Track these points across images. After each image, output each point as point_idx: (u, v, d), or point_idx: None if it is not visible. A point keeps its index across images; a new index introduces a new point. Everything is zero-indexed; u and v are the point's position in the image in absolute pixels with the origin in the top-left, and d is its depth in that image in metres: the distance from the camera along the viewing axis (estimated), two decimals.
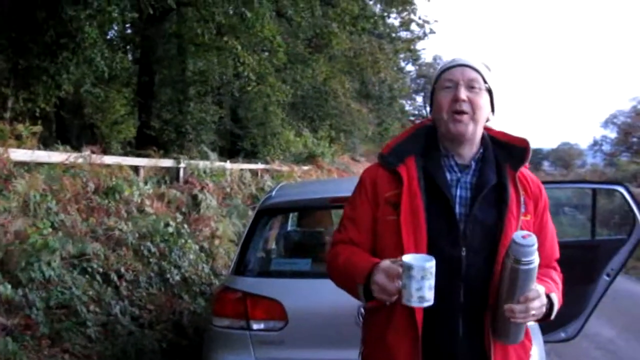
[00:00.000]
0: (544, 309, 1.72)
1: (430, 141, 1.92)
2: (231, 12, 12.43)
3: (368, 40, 20.13)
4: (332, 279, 1.98)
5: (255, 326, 3.33)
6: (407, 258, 1.58)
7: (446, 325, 1.77)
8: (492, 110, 1.90)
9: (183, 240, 6.92)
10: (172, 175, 9.29)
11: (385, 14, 21.75)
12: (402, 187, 1.81)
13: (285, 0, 13.43)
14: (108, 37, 13.08)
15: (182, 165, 9.41)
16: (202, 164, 10.24)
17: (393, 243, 1.79)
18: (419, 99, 58.17)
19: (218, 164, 11.26)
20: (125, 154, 10.76)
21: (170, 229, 6.83)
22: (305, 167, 17.97)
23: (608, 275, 4.42)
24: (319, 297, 3.30)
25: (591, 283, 4.40)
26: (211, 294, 6.31)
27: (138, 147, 12.10)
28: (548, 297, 1.75)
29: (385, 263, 1.65)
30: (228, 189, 10.78)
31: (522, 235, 1.65)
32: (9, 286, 4.17)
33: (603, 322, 6.87)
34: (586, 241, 4.79)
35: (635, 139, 46.16)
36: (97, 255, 5.42)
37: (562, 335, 4.45)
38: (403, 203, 1.80)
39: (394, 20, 24.91)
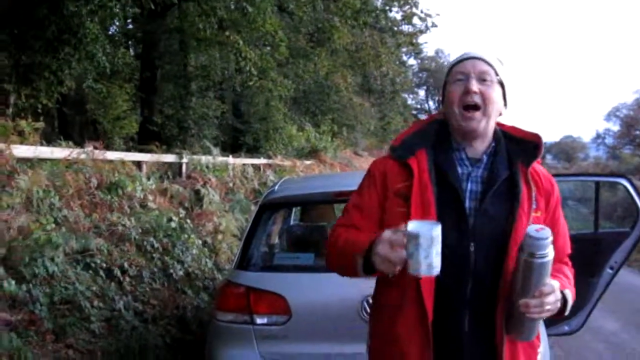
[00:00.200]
0: (558, 304, 1.70)
1: (441, 134, 1.90)
2: (233, 6, 12.44)
3: (370, 34, 20.07)
4: (329, 261, 1.94)
5: (258, 320, 3.33)
6: (412, 226, 1.53)
7: (453, 320, 1.76)
8: (505, 104, 1.89)
9: (186, 236, 6.92)
10: (174, 170, 9.31)
11: (387, 7, 21.59)
12: (413, 179, 1.79)
13: None
14: (110, 32, 13.07)
15: (184, 160, 9.43)
16: (204, 159, 10.25)
17: None
18: (422, 93, 58.20)
19: (220, 159, 11.26)
20: (128, 150, 10.77)
21: (173, 224, 6.84)
22: (308, 162, 17.97)
23: (611, 268, 4.42)
24: (322, 291, 3.30)
25: (594, 276, 4.40)
26: (214, 289, 6.32)
27: (140, 142, 12.11)
28: (562, 293, 1.73)
29: (387, 233, 1.60)
30: (231, 184, 10.79)
31: (536, 229, 1.63)
32: (13, 282, 4.18)
33: (606, 315, 6.87)
34: (589, 234, 4.78)
35: (638, 132, 46.03)
36: (100, 251, 5.43)
37: (566, 328, 4.44)
38: (414, 195, 1.78)
39: (395, 14, 24.75)
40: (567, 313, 1.78)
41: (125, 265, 5.63)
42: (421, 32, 26.00)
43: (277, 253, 4.42)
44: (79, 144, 7.18)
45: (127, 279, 5.55)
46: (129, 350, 4.62)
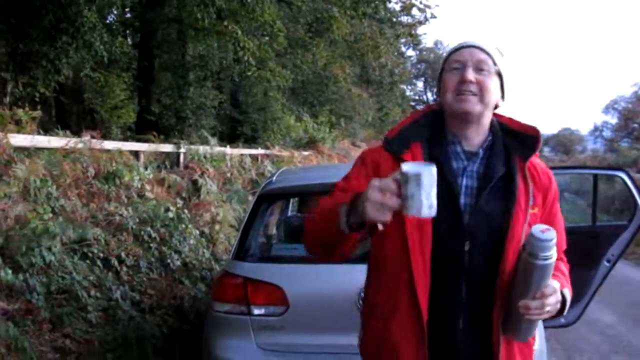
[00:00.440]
0: (558, 305, 1.66)
1: (437, 127, 1.83)
2: None
3: (369, 25, 20.01)
4: (307, 238, 1.83)
5: (255, 311, 3.33)
6: (409, 167, 1.44)
7: (447, 319, 1.71)
8: (502, 96, 1.82)
9: (183, 226, 6.91)
10: (172, 160, 9.29)
11: None
12: None
13: None
14: (107, 21, 13.04)
15: (182, 150, 9.41)
16: (202, 149, 10.23)
17: (395, 231, 1.68)
18: (420, 84, 58.18)
19: (218, 149, 11.25)
20: (125, 139, 10.75)
21: (171, 214, 6.82)
22: (306, 153, 17.95)
23: (608, 261, 4.42)
24: (319, 282, 3.30)
25: (591, 269, 4.40)
26: (212, 279, 6.32)
27: (138, 132, 12.08)
28: (561, 292, 1.68)
29: (377, 181, 1.47)
30: (228, 174, 10.77)
31: (542, 230, 1.57)
32: (10, 271, 4.17)
33: (603, 307, 6.90)
34: (587, 227, 4.78)
35: (636, 125, 46.11)
36: (97, 241, 5.42)
37: (562, 320, 4.44)
38: None
39: (395, 4, 24.75)
40: (565, 312, 1.74)
41: (123, 255, 5.62)
42: (420, 23, 26.03)
43: (274, 244, 4.42)
44: (77, 133, 7.17)
45: (125, 268, 5.54)
46: (126, 340, 4.61)
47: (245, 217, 3.83)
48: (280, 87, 16.69)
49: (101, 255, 5.36)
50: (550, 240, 1.56)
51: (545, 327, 3.54)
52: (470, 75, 1.72)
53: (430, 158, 1.74)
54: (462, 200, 1.73)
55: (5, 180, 4.85)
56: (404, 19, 26.58)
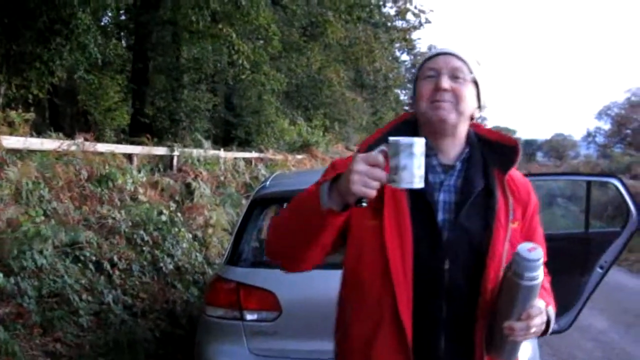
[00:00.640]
0: (543, 326, 1.58)
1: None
2: None
3: (363, 29, 20.03)
4: (272, 240, 1.72)
5: (248, 316, 3.32)
6: (399, 138, 1.39)
7: (428, 340, 1.62)
8: (479, 105, 1.73)
9: (176, 229, 6.89)
10: (165, 163, 9.27)
11: (381, 2, 21.66)
12: (384, 190, 1.54)
13: None
14: (102, 23, 13.00)
15: (175, 153, 9.39)
16: (195, 152, 10.21)
17: (375, 249, 1.60)
18: None
19: (212, 152, 11.23)
20: (119, 142, 10.73)
21: (164, 218, 6.80)
22: (300, 156, 17.94)
23: (601, 267, 4.42)
24: (312, 287, 3.28)
25: (584, 275, 4.40)
26: (204, 283, 6.30)
27: (132, 134, 12.05)
28: (545, 311, 1.60)
29: (361, 155, 1.41)
30: (222, 178, 10.75)
31: (528, 248, 1.49)
32: (1, 275, 4.16)
33: (595, 313, 6.91)
34: (580, 233, 4.79)
35: (629, 131, 46.35)
36: (89, 244, 5.40)
37: (555, 327, 4.42)
38: (386, 207, 1.60)
39: (389, 9, 24.83)
40: (549, 333, 1.66)
41: (115, 258, 5.61)
42: (415, 28, 26.09)
43: None
44: (70, 135, 7.15)
45: (117, 272, 5.52)
46: (118, 344, 4.60)
47: (239, 222, 3.82)
48: (275, 91, 16.68)
49: (93, 258, 5.35)
50: (537, 260, 1.48)
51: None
52: (445, 83, 1.64)
53: None
54: (440, 216, 1.64)
55: None
56: (399, 23, 26.66)
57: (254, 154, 14.80)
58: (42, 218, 4.94)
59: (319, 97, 23.49)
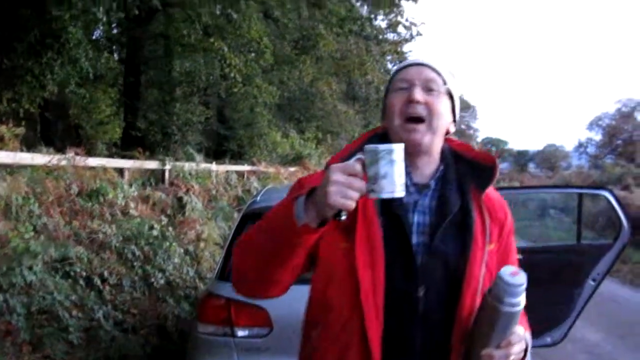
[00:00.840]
0: (522, 354, 1.49)
1: None
2: (218, 12, 12.41)
3: (355, 42, 20.09)
4: (242, 251, 1.54)
5: (239, 333, 3.29)
6: (377, 145, 1.31)
7: None
8: (454, 119, 1.64)
9: (168, 243, 6.86)
10: (157, 177, 9.25)
11: (372, 15, 21.72)
12: (356, 211, 1.45)
13: (272, 1, 13.41)
14: (94, 37, 13.01)
15: (167, 167, 9.37)
16: (187, 165, 10.20)
17: (345, 271, 1.49)
18: None
19: (204, 165, 11.22)
20: (111, 155, 10.70)
21: (155, 232, 6.77)
22: (292, 169, 17.95)
23: (594, 280, 4.42)
24: (304, 303, 3.24)
25: (577, 287, 4.40)
26: (196, 298, 6.26)
27: (123, 148, 12.03)
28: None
29: (338, 164, 1.32)
30: (214, 191, 10.74)
31: (511, 272, 1.40)
32: None
33: (588, 325, 6.89)
34: (572, 245, 4.79)
35: (620, 141, 46.60)
36: (80, 259, 5.36)
37: (548, 340, 4.44)
38: (359, 229, 1.48)
39: (381, 22, 24.95)
40: (527, 358, 1.56)
41: (106, 273, 5.56)
42: (406, 40, 26.16)
43: None
44: (61, 149, 7.11)
45: (107, 287, 5.48)
46: None
47: (230, 237, 3.80)
48: (267, 104, 16.71)
49: (84, 274, 5.30)
50: (520, 285, 1.39)
51: (532, 347, 3.52)
52: (418, 95, 1.55)
53: None
54: (415, 239, 1.52)
55: None
56: (390, 36, 26.75)
57: (246, 167, 14.80)
58: (32, 234, 4.90)
59: (311, 110, 23.58)
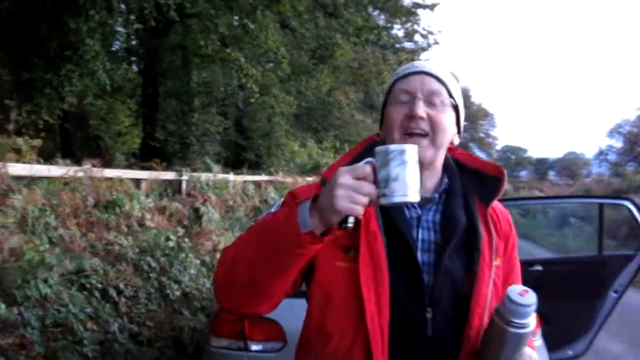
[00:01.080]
0: None
1: None
2: (235, 23, 12.47)
3: (372, 51, 20.09)
4: (231, 262, 1.38)
5: (253, 347, 3.25)
6: (387, 146, 1.23)
7: None
8: (459, 131, 1.54)
9: (184, 255, 6.84)
10: (174, 187, 9.27)
11: (389, 25, 21.73)
12: (358, 226, 1.36)
13: (289, 11, 13.44)
14: (113, 48, 13.13)
15: (184, 177, 9.39)
16: (204, 176, 10.20)
17: (347, 293, 1.39)
18: None
19: (221, 175, 11.23)
20: (129, 166, 10.76)
21: (171, 243, 6.76)
22: (310, 179, 17.91)
23: (616, 292, 4.34)
24: None
25: (599, 299, 4.32)
26: (212, 310, 6.22)
27: (142, 158, 12.12)
28: None
29: (344, 167, 1.21)
30: (231, 202, 10.73)
31: (520, 292, 1.32)
32: (4, 305, 4.10)
33: (611, 336, 6.75)
34: (594, 257, 4.70)
35: None
36: (95, 271, 5.35)
37: (570, 353, 4.36)
38: (362, 246, 1.38)
39: (397, 31, 24.93)
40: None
41: (121, 285, 5.55)
42: (423, 49, 26.14)
43: None
44: (81, 159, 7.15)
45: (123, 299, 5.46)
46: None
47: None
48: (284, 113, 16.74)
49: (99, 286, 5.29)
50: (530, 305, 1.31)
51: None
52: (421, 109, 1.43)
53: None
54: (420, 257, 1.42)
55: (2, 210, 4.80)
56: (407, 45, 26.73)
57: (263, 177, 14.79)
58: (47, 246, 4.90)
59: (328, 119, 23.59)
